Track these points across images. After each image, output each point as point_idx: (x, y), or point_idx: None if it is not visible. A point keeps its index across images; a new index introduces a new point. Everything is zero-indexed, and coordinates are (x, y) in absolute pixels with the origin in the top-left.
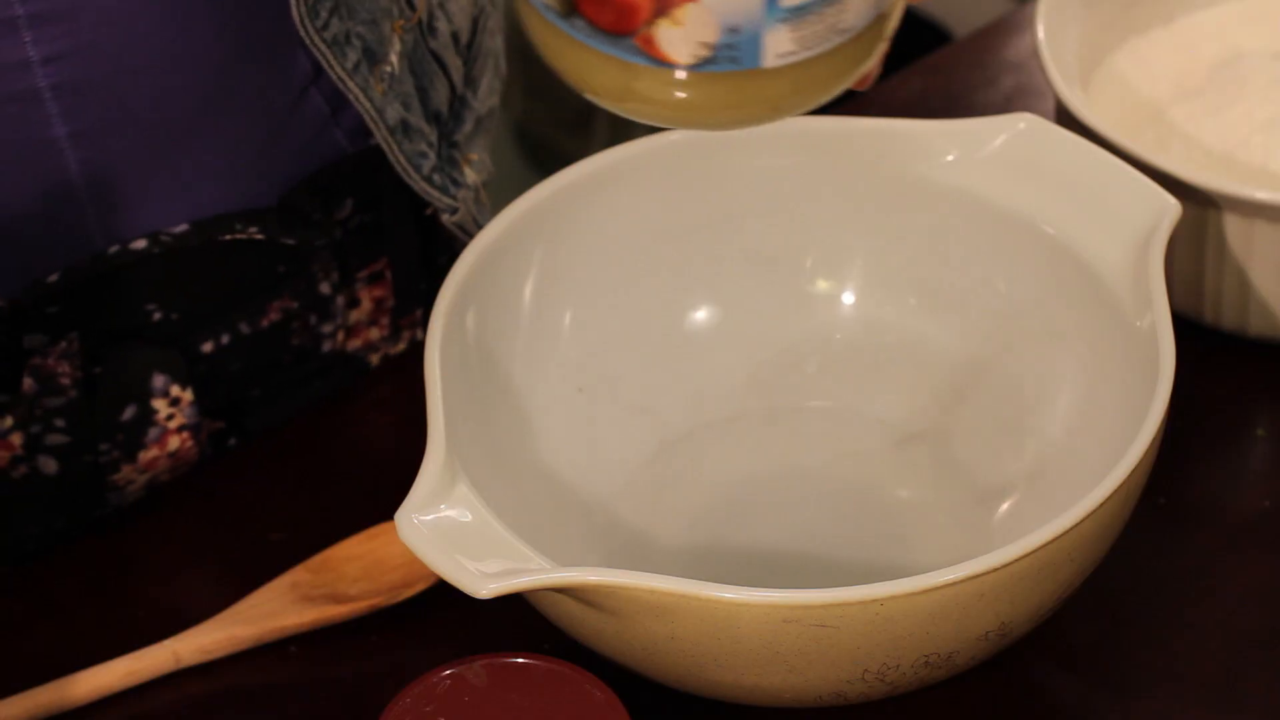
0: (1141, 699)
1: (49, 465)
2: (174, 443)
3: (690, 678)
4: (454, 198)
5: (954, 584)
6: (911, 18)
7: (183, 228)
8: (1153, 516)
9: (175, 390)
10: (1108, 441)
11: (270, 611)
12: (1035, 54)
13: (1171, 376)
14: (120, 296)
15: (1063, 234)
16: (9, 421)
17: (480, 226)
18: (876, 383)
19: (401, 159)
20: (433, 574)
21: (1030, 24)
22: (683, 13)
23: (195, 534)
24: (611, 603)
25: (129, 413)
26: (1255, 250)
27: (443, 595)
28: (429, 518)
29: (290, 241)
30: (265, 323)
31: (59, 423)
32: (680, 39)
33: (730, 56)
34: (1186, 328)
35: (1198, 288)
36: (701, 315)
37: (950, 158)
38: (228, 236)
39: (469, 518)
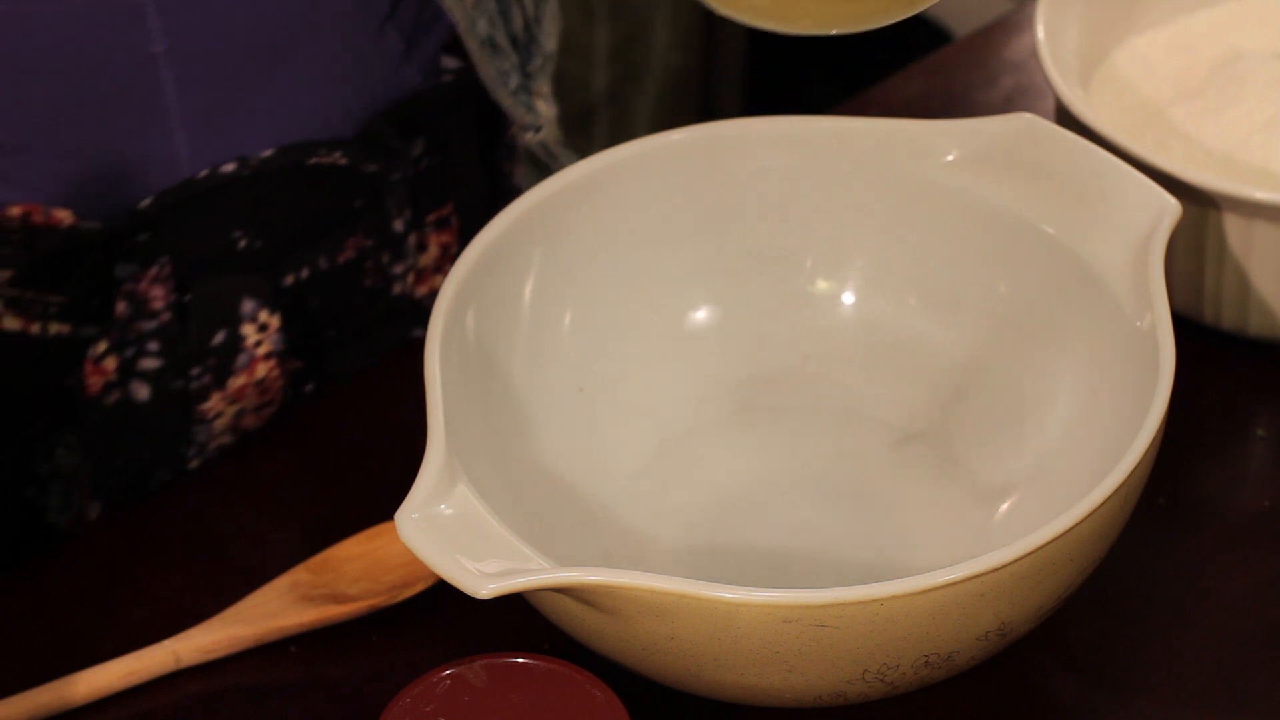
0: (1141, 699)
1: (141, 391)
2: (261, 370)
3: (690, 678)
4: (537, 115)
5: (954, 584)
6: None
7: (269, 152)
8: (1153, 516)
9: (264, 316)
10: (1108, 441)
11: (270, 611)
12: (1035, 54)
13: (1171, 376)
14: (208, 223)
15: (1063, 234)
16: (103, 346)
17: (557, 155)
18: (876, 383)
19: (490, 73)
20: (433, 574)
21: (1030, 24)
22: None
23: (195, 534)
24: (611, 603)
25: (219, 337)
26: (1255, 250)
27: (443, 595)
28: (429, 518)
29: (371, 168)
30: (342, 259)
31: (152, 346)
32: None
33: None
34: (1186, 328)
35: (1198, 288)
36: (701, 315)
37: (950, 158)
38: (312, 161)
39: (469, 518)
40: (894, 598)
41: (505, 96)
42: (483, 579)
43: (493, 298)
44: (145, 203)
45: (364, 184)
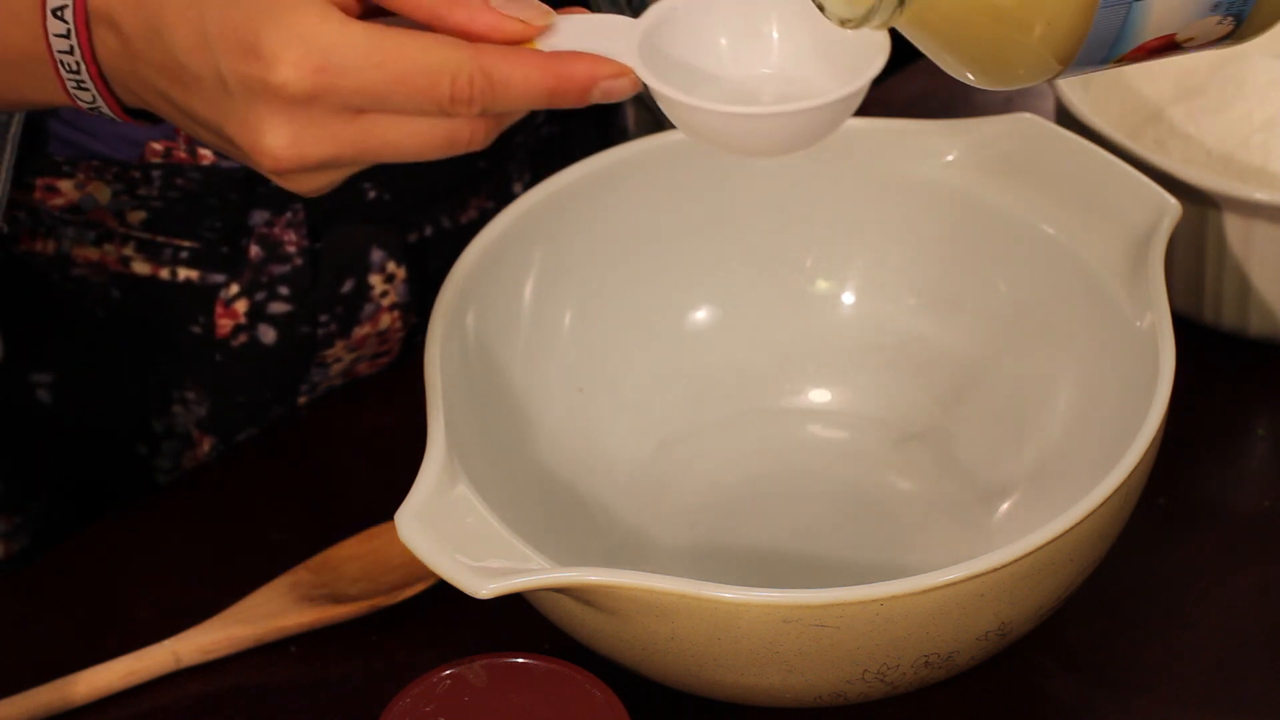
0: (1141, 699)
1: (268, 335)
2: (385, 320)
3: (690, 678)
4: None
5: (954, 584)
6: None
7: None
8: (1153, 516)
9: (391, 267)
10: (1108, 441)
11: (270, 611)
12: None
13: (1171, 376)
14: None
15: (1063, 234)
16: (235, 289)
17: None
18: (876, 383)
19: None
20: (433, 574)
21: None
22: None
23: (195, 534)
24: (611, 603)
25: (348, 285)
26: (1255, 250)
27: (443, 595)
28: (429, 518)
29: None
30: (464, 219)
31: (283, 290)
32: None
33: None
34: (1186, 328)
35: (1198, 288)
36: (701, 315)
37: (950, 158)
38: None
39: (469, 518)
40: (894, 598)
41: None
42: (483, 579)
43: (493, 298)
44: None
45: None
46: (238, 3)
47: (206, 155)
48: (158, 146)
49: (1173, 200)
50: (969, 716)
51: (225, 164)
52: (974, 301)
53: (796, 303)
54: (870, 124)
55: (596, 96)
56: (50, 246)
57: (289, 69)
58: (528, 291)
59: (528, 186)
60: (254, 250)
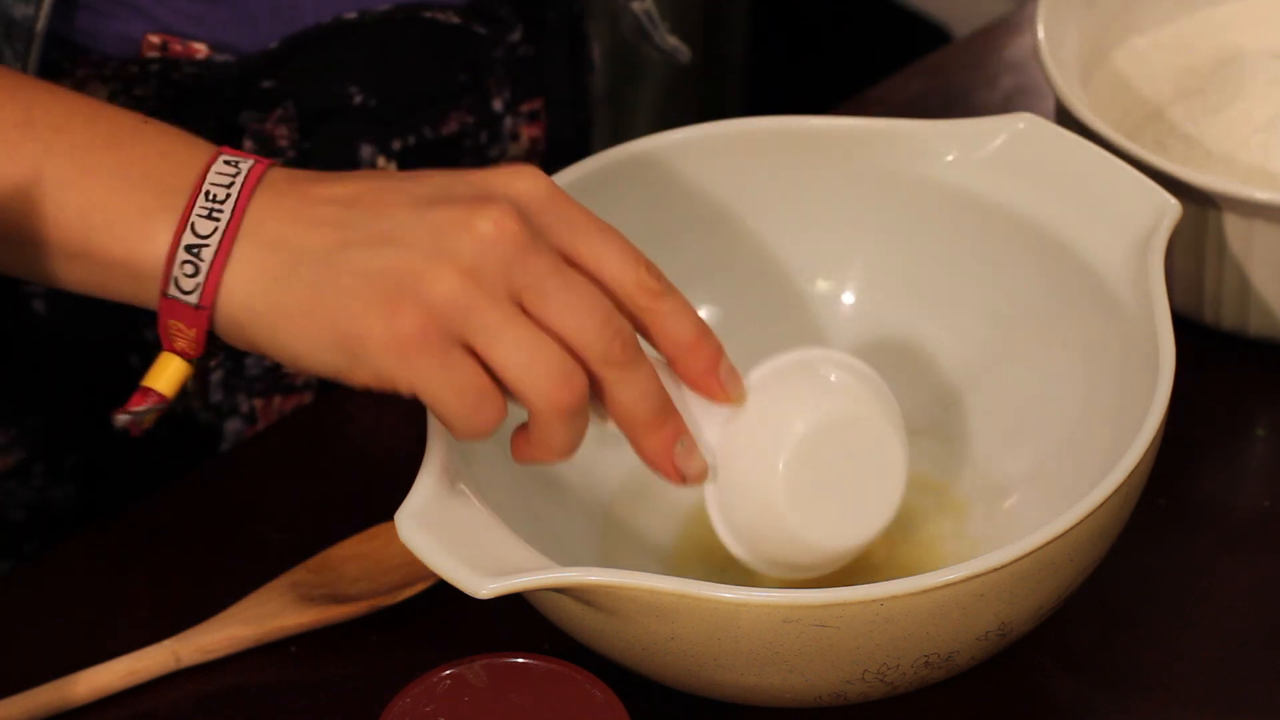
0: (1141, 699)
1: None
2: None
3: (690, 678)
4: None
5: (954, 584)
6: (912, 18)
7: (386, 6)
8: (1153, 516)
9: (381, 162)
10: (1108, 441)
11: (270, 611)
12: (1035, 54)
13: (1171, 376)
14: (329, 72)
15: (1063, 234)
16: None
17: (659, 25)
18: None
19: None
20: (433, 574)
21: (1030, 24)
22: None
23: (195, 534)
24: (611, 603)
25: None
26: (1255, 250)
27: (443, 595)
28: (429, 518)
29: (480, 30)
30: (445, 131)
31: None
32: None
33: None
34: (1186, 328)
35: (1198, 288)
36: (701, 315)
37: (950, 158)
38: (427, 14)
39: (469, 518)
40: (894, 598)
41: None
42: (483, 579)
43: None
44: (273, 45)
45: (471, 51)
46: None
47: (201, 49)
48: (155, 39)
49: (1173, 200)
50: (969, 716)
51: (219, 58)
52: (974, 301)
53: (796, 303)
54: (870, 124)
55: (677, 458)
56: None
57: (536, 169)
58: None
59: (507, 105)
60: (247, 144)
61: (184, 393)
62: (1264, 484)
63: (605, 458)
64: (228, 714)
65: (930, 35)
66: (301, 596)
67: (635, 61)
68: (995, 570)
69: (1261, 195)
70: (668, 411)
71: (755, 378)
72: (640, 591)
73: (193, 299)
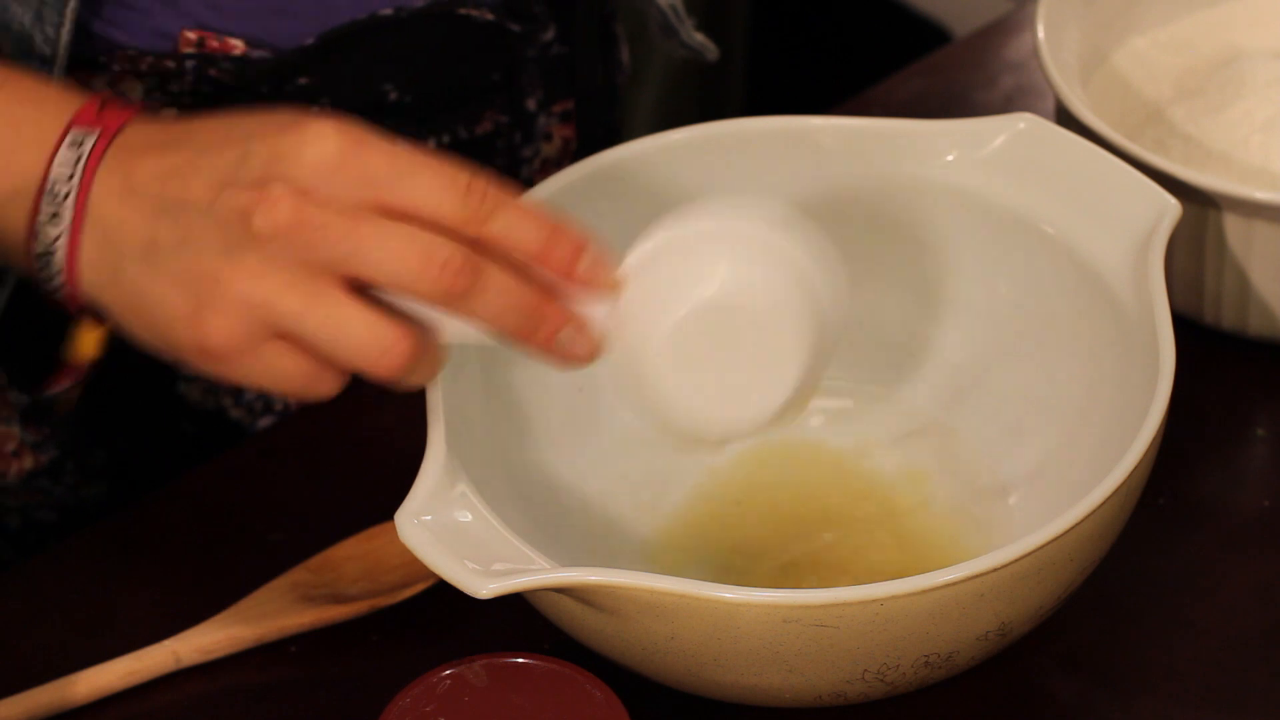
0: (1141, 699)
1: None
2: None
3: (690, 678)
4: None
5: (954, 584)
6: (912, 18)
7: (422, 2)
8: (1153, 516)
9: None
10: (1108, 441)
11: (270, 611)
12: (1035, 54)
13: (1171, 376)
14: (364, 70)
15: (1063, 234)
16: None
17: (685, 21)
18: (876, 382)
19: None
20: (433, 574)
21: (1030, 24)
22: None
23: (195, 534)
24: (611, 603)
25: None
26: (1255, 250)
27: (443, 595)
28: (429, 518)
29: (514, 28)
30: (479, 130)
31: None
32: None
33: None
34: (1186, 328)
35: (1198, 288)
36: None
37: (950, 158)
38: (461, 11)
39: (469, 518)
40: (894, 598)
41: None
42: (483, 579)
43: None
44: (309, 41)
45: (505, 50)
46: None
47: (237, 45)
48: (191, 35)
49: (1173, 200)
50: (969, 716)
51: (256, 54)
52: (974, 301)
53: None
54: (870, 124)
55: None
56: None
57: (329, 125)
58: None
59: (540, 104)
60: None
61: (215, 391)
62: (1264, 484)
63: (605, 458)
64: (228, 714)
65: (930, 35)
66: (301, 596)
67: (636, 62)
68: (995, 570)
69: (1261, 195)
70: (538, 312)
71: (636, 257)
72: (640, 591)
73: (62, 291)
